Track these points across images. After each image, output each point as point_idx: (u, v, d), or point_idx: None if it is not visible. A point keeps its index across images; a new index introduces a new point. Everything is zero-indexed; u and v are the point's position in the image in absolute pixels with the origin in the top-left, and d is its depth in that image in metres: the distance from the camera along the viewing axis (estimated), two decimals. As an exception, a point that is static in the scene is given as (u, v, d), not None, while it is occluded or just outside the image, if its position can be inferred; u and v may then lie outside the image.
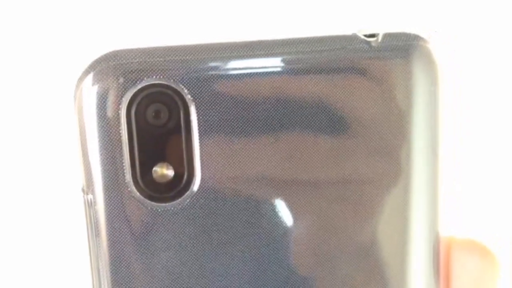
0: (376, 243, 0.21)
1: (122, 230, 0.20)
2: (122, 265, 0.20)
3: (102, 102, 0.19)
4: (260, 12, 0.38)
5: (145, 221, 0.20)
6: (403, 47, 0.21)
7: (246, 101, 0.20)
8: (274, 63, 0.20)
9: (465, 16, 0.40)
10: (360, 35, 0.21)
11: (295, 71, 0.20)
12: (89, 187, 0.20)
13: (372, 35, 0.21)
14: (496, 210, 0.43)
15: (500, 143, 0.42)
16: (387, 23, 0.22)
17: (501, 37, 0.41)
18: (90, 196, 0.20)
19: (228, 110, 0.20)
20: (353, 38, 0.21)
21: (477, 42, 0.41)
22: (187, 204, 0.20)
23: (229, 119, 0.20)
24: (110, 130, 0.20)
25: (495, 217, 0.43)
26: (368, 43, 0.21)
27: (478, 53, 0.41)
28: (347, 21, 0.39)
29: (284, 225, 0.21)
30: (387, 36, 0.21)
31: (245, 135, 0.20)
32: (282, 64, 0.20)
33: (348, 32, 0.21)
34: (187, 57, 0.20)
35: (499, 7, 0.41)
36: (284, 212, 0.21)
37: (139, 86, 0.20)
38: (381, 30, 0.21)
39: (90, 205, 0.20)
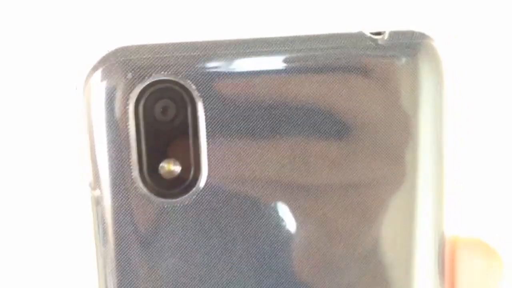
0: (383, 245, 0.21)
1: (129, 225, 0.20)
2: (129, 260, 0.20)
3: (110, 98, 0.19)
4: (265, 9, 0.38)
5: (151, 216, 0.20)
6: (409, 45, 0.21)
7: (254, 98, 0.20)
8: (281, 61, 0.20)
9: (465, 16, 0.40)
10: (367, 33, 0.21)
11: (303, 68, 0.21)
12: (96, 182, 0.20)
13: (378, 33, 0.21)
14: (497, 210, 0.43)
15: (500, 143, 0.42)
16: (388, 22, 0.22)
17: (501, 37, 0.41)
18: (97, 192, 0.20)
19: (236, 107, 0.20)
20: (359, 36, 0.21)
21: (477, 42, 0.41)
22: (193, 200, 0.20)
23: (236, 116, 0.20)
24: (118, 126, 0.20)
25: (496, 217, 0.43)
26: (375, 40, 0.21)
27: (478, 53, 0.41)
28: (347, 20, 0.39)
29: (290, 226, 0.21)
30: (393, 34, 0.21)
31: (253, 133, 0.20)
32: (290, 62, 0.20)
33: (354, 30, 0.22)
34: (195, 53, 0.20)
35: (499, 7, 0.41)
36: (291, 213, 0.21)
37: (147, 82, 0.19)
38: (387, 28, 0.21)
39: (97, 201, 0.20)
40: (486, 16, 0.41)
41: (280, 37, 0.21)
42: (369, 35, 0.21)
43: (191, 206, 0.20)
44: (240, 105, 0.20)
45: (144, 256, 0.20)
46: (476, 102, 0.41)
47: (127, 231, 0.20)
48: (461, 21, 0.40)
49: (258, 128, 0.20)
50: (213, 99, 0.20)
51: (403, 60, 0.21)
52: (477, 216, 0.42)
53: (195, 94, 0.20)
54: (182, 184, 0.20)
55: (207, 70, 0.20)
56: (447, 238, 0.23)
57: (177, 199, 0.20)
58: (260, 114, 0.20)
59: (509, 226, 0.43)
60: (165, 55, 0.20)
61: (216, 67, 0.20)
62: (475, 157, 0.42)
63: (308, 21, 0.38)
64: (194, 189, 0.20)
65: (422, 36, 0.21)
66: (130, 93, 0.19)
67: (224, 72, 0.20)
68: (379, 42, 0.21)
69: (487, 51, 0.41)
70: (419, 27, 0.22)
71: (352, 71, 0.21)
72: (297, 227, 0.21)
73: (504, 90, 0.42)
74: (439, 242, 0.22)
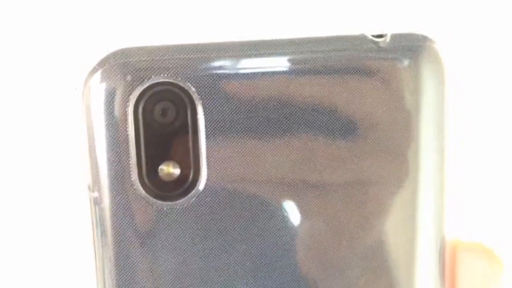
0: (384, 246, 0.21)
1: (128, 227, 0.20)
2: (128, 262, 0.20)
3: (110, 99, 0.19)
4: (266, 11, 0.38)
5: (150, 219, 0.20)
6: (411, 48, 0.21)
7: (254, 100, 0.20)
8: (282, 63, 0.20)
9: (465, 16, 0.40)
10: (368, 35, 0.21)
11: (304, 71, 0.20)
12: (95, 184, 0.20)
13: (380, 36, 0.21)
14: (498, 211, 0.43)
15: (501, 144, 0.42)
16: (389, 22, 0.22)
17: (501, 37, 0.41)
18: (96, 194, 0.20)
19: (236, 110, 0.20)
20: (361, 38, 0.21)
21: (477, 42, 0.41)
22: (193, 203, 0.20)
23: (236, 118, 0.20)
24: (117, 128, 0.19)
25: (497, 219, 0.43)
26: (376, 43, 0.21)
27: (478, 54, 0.41)
28: (347, 20, 0.38)
29: (290, 227, 0.21)
30: (395, 36, 0.21)
31: (252, 135, 0.20)
32: (290, 64, 0.20)
33: (356, 32, 0.21)
34: (195, 56, 0.20)
35: (499, 7, 0.41)
36: (291, 214, 0.21)
37: (147, 84, 0.19)
38: (389, 31, 0.21)
39: (95, 203, 0.20)
40: (486, 16, 0.41)
41: (281, 39, 0.21)
42: (371, 37, 0.21)
43: (191, 209, 0.20)
44: (240, 107, 0.20)
45: (143, 259, 0.20)
46: (477, 103, 0.41)
47: (126, 233, 0.20)
48: (461, 22, 0.40)
49: (258, 130, 0.20)
50: (213, 101, 0.20)
51: (405, 62, 0.21)
52: (478, 217, 0.42)
53: (195, 96, 0.20)
54: (182, 186, 0.20)
55: (207, 72, 0.20)
56: (447, 241, 0.22)
57: (177, 202, 0.20)
58: (260, 117, 0.20)
59: (510, 227, 0.42)
60: (164, 57, 0.20)
61: (216, 69, 0.20)
62: (476, 158, 0.42)
63: (309, 23, 0.38)
64: (193, 191, 0.20)
65: (424, 38, 0.21)
66: (129, 95, 0.19)
67: (224, 74, 0.20)
68: (381, 44, 0.21)
69: (487, 52, 0.41)
70: (419, 28, 0.22)
71: (354, 74, 0.21)
72: (298, 229, 0.21)
73: (504, 91, 0.42)
74: (440, 245, 0.22)
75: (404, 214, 0.21)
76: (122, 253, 0.20)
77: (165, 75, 0.19)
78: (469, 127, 0.40)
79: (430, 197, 0.22)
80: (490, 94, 0.41)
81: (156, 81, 0.19)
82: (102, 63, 0.19)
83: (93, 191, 0.20)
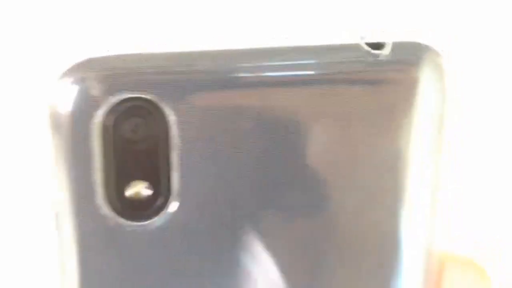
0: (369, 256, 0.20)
1: (93, 247, 0.19)
2: (91, 284, 0.19)
3: (76, 114, 0.18)
4: (259, 16, 0.35)
5: (117, 240, 0.19)
6: (414, 61, 0.19)
7: (232, 118, 0.18)
8: (267, 75, 0.19)
9: (465, 17, 0.39)
10: (365, 46, 0.19)
11: (291, 85, 0.19)
12: (59, 201, 0.19)
13: (378, 45, 0.19)
14: (497, 212, 0.42)
15: (501, 144, 0.41)
16: (387, 27, 0.20)
17: (501, 37, 0.39)
18: (60, 211, 0.19)
19: (212, 128, 0.18)
20: (357, 49, 0.19)
21: (477, 42, 0.39)
22: (161, 224, 0.19)
23: (212, 137, 0.18)
24: (84, 144, 0.18)
25: (496, 218, 0.42)
26: (376, 56, 0.19)
27: (478, 54, 0.39)
28: (344, 17, 0.36)
29: (265, 249, 0.20)
30: (396, 47, 0.19)
31: (228, 155, 0.19)
32: (277, 76, 0.19)
33: (351, 40, 0.20)
34: (170, 67, 0.18)
35: (499, 7, 0.39)
36: (265, 236, 0.20)
37: (116, 99, 0.18)
38: (388, 39, 0.20)
39: (60, 221, 0.19)
40: (486, 16, 0.39)
41: (266, 48, 0.19)
42: (368, 48, 0.19)
43: (159, 230, 0.19)
44: (216, 125, 0.18)
45: (107, 281, 0.19)
46: (475, 103, 0.40)
47: (91, 252, 0.19)
48: (460, 22, 0.39)
49: (237, 150, 0.19)
50: (188, 118, 0.18)
51: (405, 77, 0.19)
52: (478, 217, 0.42)
53: (168, 112, 0.18)
54: (151, 207, 0.19)
55: (182, 86, 0.18)
56: (435, 253, 0.21)
57: (145, 223, 0.19)
58: (240, 136, 0.19)
59: (510, 227, 0.42)
60: (136, 69, 0.18)
61: (192, 83, 0.18)
62: (475, 158, 0.41)
63: (299, 27, 0.35)
64: (162, 212, 0.19)
65: (427, 49, 0.20)
66: (97, 110, 0.18)
67: (201, 88, 0.18)
68: (380, 58, 0.19)
69: (487, 52, 0.40)
70: (417, 30, 0.20)
71: (349, 90, 0.19)
72: (274, 251, 0.20)
73: (504, 91, 0.41)
74: (427, 256, 0.21)
75: (392, 228, 0.20)
76: (87, 273, 0.19)
77: (137, 89, 0.18)
78: (469, 127, 0.39)
79: (422, 211, 0.20)
80: (490, 94, 0.40)
81: (127, 96, 0.18)
82: (69, 73, 0.18)
83: (57, 208, 0.19)
